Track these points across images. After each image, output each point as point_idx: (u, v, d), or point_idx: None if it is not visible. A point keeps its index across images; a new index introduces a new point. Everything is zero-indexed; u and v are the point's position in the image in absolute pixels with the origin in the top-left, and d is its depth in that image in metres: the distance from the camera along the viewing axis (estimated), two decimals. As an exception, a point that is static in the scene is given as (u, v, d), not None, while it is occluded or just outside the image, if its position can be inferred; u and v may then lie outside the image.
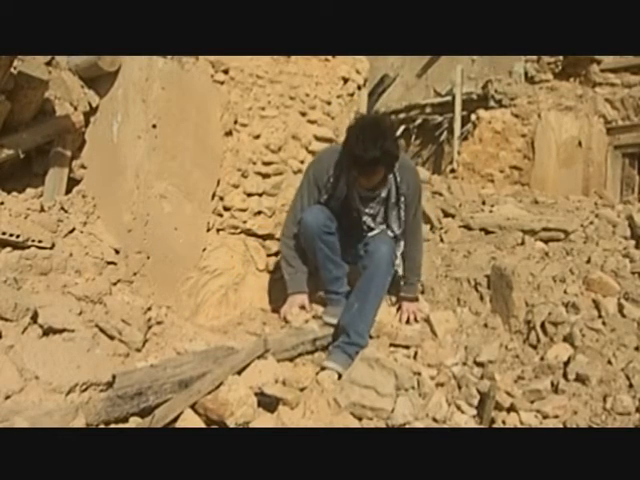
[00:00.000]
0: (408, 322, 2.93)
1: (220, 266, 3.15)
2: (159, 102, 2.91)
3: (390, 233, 2.88)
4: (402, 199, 2.81)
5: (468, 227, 3.88)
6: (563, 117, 6.37)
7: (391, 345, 2.83)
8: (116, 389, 1.83)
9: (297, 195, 2.98)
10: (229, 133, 3.20)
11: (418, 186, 2.92)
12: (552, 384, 2.53)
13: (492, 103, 6.89)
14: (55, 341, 2.02)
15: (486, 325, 2.97)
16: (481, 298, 3.12)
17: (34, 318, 2.03)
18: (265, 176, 3.33)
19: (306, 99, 3.48)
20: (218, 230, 3.20)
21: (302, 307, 2.88)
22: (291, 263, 2.95)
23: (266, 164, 3.33)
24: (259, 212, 3.30)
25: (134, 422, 1.90)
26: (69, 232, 2.77)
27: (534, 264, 3.28)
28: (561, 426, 2.30)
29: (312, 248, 2.86)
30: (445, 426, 2.32)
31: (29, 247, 2.51)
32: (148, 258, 2.88)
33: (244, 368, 2.29)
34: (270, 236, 3.36)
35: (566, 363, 2.60)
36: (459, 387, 2.60)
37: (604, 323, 2.77)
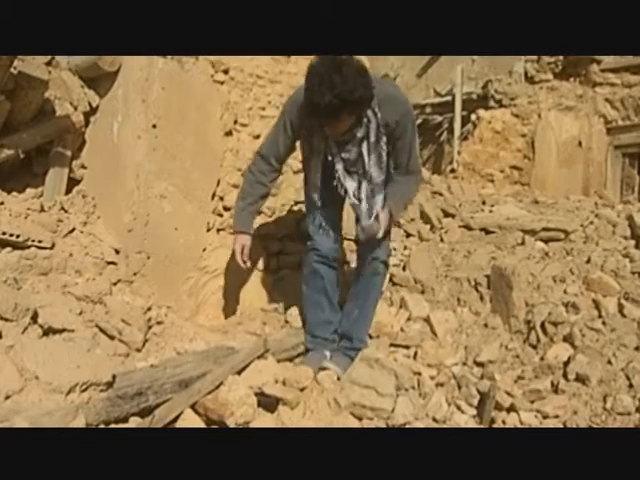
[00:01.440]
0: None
1: (220, 266, 3.15)
2: (159, 102, 2.91)
3: (367, 187, 2.53)
4: (384, 139, 2.44)
5: (468, 227, 3.88)
6: (563, 117, 6.37)
7: (391, 345, 2.83)
8: (116, 389, 1.83)
9: (271, 132, 2.65)
10: (229, 133, 3.20)
11: (406, 114, 2.44)
12: (552, 384, 2.53)
13: (492, 103, 6.89)
14: (55, 341, 2.02)
15: (486, 325, 2.97)
16: (481, 298, 3.12)
17: (34, 318, 2.03)
18: (265, 176, 3.32)
19: (306, 99, 3.48)
20: (218, 230, 3.20)
21: (242, 250, 2.69)
22: (245, 198, 2.71)
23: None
24: (259, 212, 3.30)
25: (134, 422, 1.90)
26: (69, 232, 2.77)
27: (534, 264, 3.28)
28: (561, 426, 2.30)
29: (313, 275, 2.73)
30: (445, 426, 2.32)
31: (29, 247, 2.51)
32: (148, 258, 2.88)
33: (244, 368, 2.29)
34: (270, 236, 3.36)
35: (566, 363, 2.60)
36: (459, 387, 2.60)
37: (604, 323, 2.77)
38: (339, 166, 2.51)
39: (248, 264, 2.73)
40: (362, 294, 2.70)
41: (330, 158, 2.52)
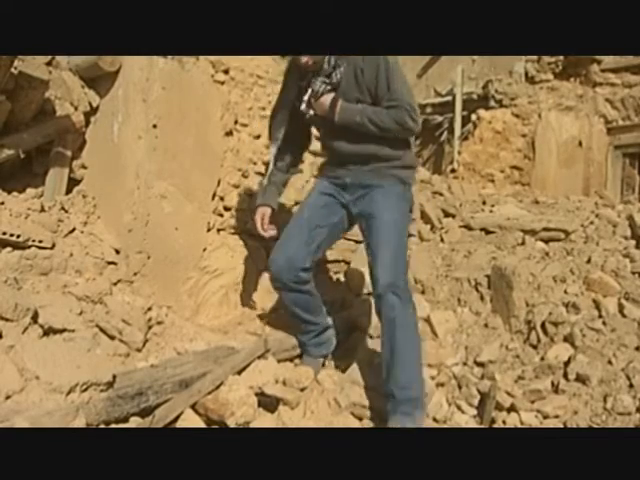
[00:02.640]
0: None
1: (220, 266, 3.15)
2: (159, 102, 2.91)
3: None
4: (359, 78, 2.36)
5: (468, 227, 3.88)
6: (563, 117, 6.37)
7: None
8: (116, 389, 1.83)
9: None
10: (229, 133, 3.20)
11: (383, 58, 2.34)
12: (552, 384, 2.53)
13: (492, 103, 6.89)
14: (55, 341, 2.02)
15: (486, 325, 2.97)
16: (481, 298, 3.12)
17: (34, 318, 2.03)
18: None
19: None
20: (218, 230, 3.20)
21: (262, 219, 2.63)
22: (273, 174, 2.65)
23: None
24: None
25: (134, 422, 1.90)
26: (69, 232, 2.77)
27: (534, 264, 3.28)
28: (561, 426, 2.30)
29: (281, 297, 2.62)
30: (445, 426, 2.32)
31: (29, 247, 2.51)
32: (148, 258, 2.88)
33: (244, 368, 2.29)
34: (270, 236, 3.35)
35: (566, 363, 2.59)
36: (459, 387, 2.60)
37: (604, 323, 2.77)
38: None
39: (271, 232, 2.64)
40: (387, 340, 2.26)
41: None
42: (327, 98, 2.39)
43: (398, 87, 2.33)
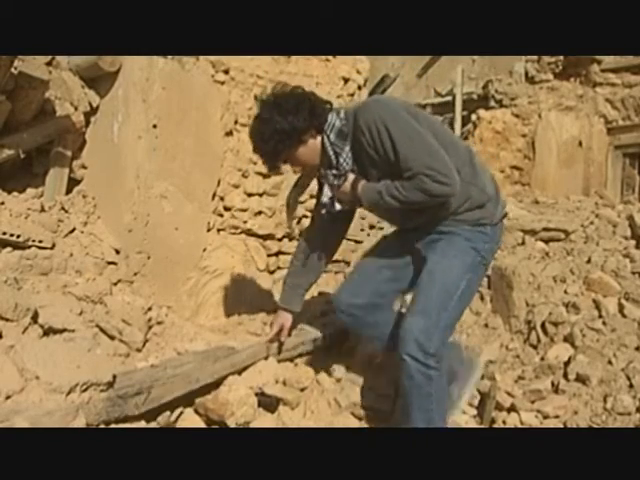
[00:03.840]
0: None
1: (221, 266, 3.15)
2: (159, 102, 2.91)
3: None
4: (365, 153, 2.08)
5: (468, 227, 3.87)
6: (564, 117, 6.37)
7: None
8: (116, 389, 1.83)
9: None
10: (229, 133, 3.20)
11: (377, 120, 2.00)
12: (552, 384, 2.53)
13: (492, 103, 6.89)
14: (55, 341, 2.02)
15: (486, 325, 2.97)
16: (481, 298, 3.12)
17: (34, 318, 2.03)
18: (265, 176, 3.33)
19: (306, 99, 3.48)
20: (218, 230, 3.20)
21: (280, 330, 2.44)
22: (294, 272, 2.46)
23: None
24: (259, 212, 3.31)
25: (136, 423, 1.90)
26: (69, 232, 2.77)
27: (534, 264, 3.28)
28: (561, 426, 2.30)
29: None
30: (445, 426, 2.32)
31: (29, 247, 2.51)
32: (148, 258, 2.88)
33: (245, 368, 2.29)
34: (270, 236, 3.36)
35: (566, 363, 2.60)
36: (459, 387, 2.60)
37: (604, 323, 2.77)
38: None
39: (282, 340, 2.45)
40: (402, 409, 2.08)
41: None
42: (347, 185, 2.13)
43: (407, 151, 1.96)
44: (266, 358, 2.39)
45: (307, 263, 2.41)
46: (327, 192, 2.19)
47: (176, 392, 2.00)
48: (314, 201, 3.50)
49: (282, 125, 2.05)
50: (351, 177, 2.12)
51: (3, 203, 2.64)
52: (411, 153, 1.95)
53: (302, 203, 3.49)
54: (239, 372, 2.27)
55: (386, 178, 2.03)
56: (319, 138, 2.12)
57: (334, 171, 2.12)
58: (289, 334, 2.45)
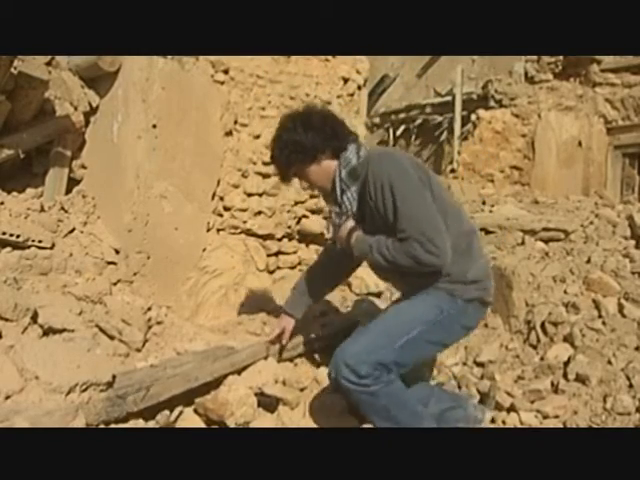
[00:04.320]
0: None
1: (220, 266, 3.15)
2: (159, 102, 2.91)
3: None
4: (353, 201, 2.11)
5: (468, 227, 3.88)
6: (563, 117, 6.38)
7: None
8: (116, 389, 1.83)
9: None
10: (229, 133, 3.20)
11: (387, 175, 1.99)
12: (552, 384, 2.53)
13: (492, 103, 6.90)
14: (55, 341, 2.02)
15: (486, 325, 2.97)
16: (481, 298, 3.11)
17: (34, 318, 2.03)
18: (265, 176, 3.33)
19: (306, 99, 3.48)
20: (218, 230, 3.20)
21: (282, 332, 2.45)
22: (306, 280, 2.45)
23: (266, 164, 3.33)
24: (259, 212, 3.31)
25: (134, 422, 1.90)
26: (69, 232, 2.77)
27: (534, 264, 3.28)
28: (561, 426, 2.30)
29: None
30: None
31: (29, 247, 2.51)
32: (148, 258, 2.88)
33: (244, 368, 2.29)
34: (270, 236, 3.36)
35: (566, 363, 2.60)
36: (459, 387, 2.60)
37: (604, 323, 2.77)
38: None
39: (283, 342, 2.45)
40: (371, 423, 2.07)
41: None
42: (344, 229, 2.13)
43: (405, 213, 1.94)
44: (266, 358, 2.40)
45: (320, 276, 2.42)
46: (330, 227, 2.20)
47: (175, 390, 2.00)
48: (314, 201, 3.50)
49: (300, 137, 2.07)
50: (349, 224, 2.12)
51: (3, 203, 2.64)
52: (409, 216, 1.94)
53: (302, 203, 3.49)
54: (239, 372, 2.27)
55: (381, 233, 2.03)
56: (334, 163, 2.11)
57: (337, 208, 2.13)
58: (290, 338, 2.46)
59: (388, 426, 1.97)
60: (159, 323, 2.51)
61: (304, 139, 2.07)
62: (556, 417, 2.34)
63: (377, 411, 1.96)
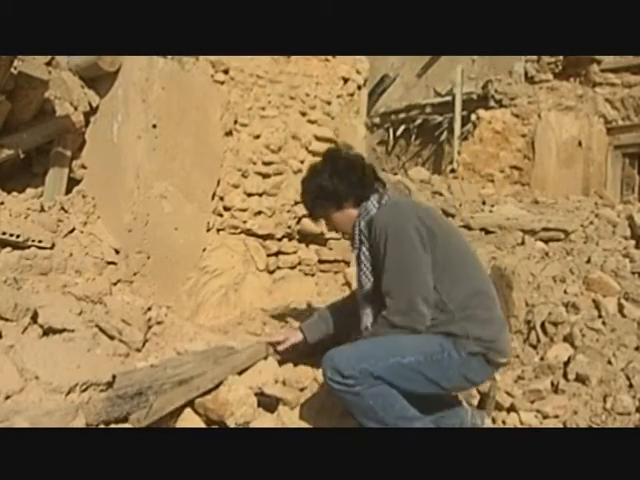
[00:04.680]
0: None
1: (220, 266, 3.15)
2: (159, 102, 2.91)
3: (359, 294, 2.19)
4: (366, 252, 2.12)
5: (468, 227, 3.88)
6: (563, 117, 6.38)
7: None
8: (116, 389, 1.83)
9: None
10: (229, 133, 3.20)
11: (381, 227, 2.02)
12: (552, 384, 2.53)
13: (492, 103, 6.90)
14: (55, 341, 2.02)
15: (486, 325, 2.96)
16: (481, 298, 3.11)
17: (34, 318, 2.03)
18: (265, 176, 3.33)
19: (306, 99, 3.48)
20: (218, 230, 3.20)
21: (285, 340, 2.38)
22: (331, 309, 2.41)
23: (266, 164, 3.33)
24: (259, 212, 3.31)
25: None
26: (69, 232, 2.77)
27: (534, 264, 3.28)
28: (561, 426, 2.30)
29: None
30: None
31: (29, 247, 2.51)
32: (148, 258, 2.88)
33: (245, 370, 2.29)
34: (270, 236, 3.36)
35: (566, 363, 2.60)
36: (459, 387, 2.60)
37: (604, 323, 2.77)
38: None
39: (280, 349, 2.39)
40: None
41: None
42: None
43: (391, 268, 1.97)
44: (266, 358, 2.39)
45: (345, 313, 2.36)
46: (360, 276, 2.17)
47: (177, 402, 2.00)
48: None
49: (325, 183, 2.11)
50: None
51: (3, 203, 2.64)
52: (391, 272, 1.97)
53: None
54: (239, 372, 2.27)
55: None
56: (356, 212, 2.13)
57: (354, 253, 2.17)
58: (290, 349, 2.39)
59: (375, 427, 1.95)
60: (159, 323, 2.51)
61: (329, 185, 2.11)
62: (556, 417, 2.34)
63: (364, 412, 1.95)
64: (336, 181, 2.10)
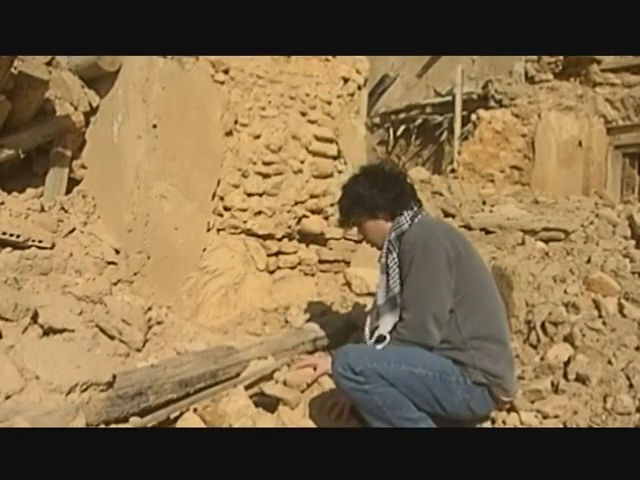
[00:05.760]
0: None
1: (220, 266, 3.15)
2: (159, 102, 2.91)
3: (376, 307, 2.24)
4: (394, 264, 2.17)
5: (468, 227, 3.88)
6: (563, 117, 6.38)
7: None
8: (116, 389, 1.83)
9: None
10: (229, 133, 3.20)
11: (410, 244, 2.10)
12: (552, 384, 2.53)
13: (492, 103, 6.90)
14: (55, 341, 2.02)
15: (486, 325, 2.96)
16: (481, 298, 3.11)
17: (34, 318, 2.03)
18: (265, 176, 3.33)
19: (306, 99, 3.49)
20: (218, 230, 3.20)
21: (308, 366, 2.37)
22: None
23: (266, 164, 3.33)
24: (259, 212, 3.31)
25: (134, 422, 1.90)
26: (69, 232, 2.77)
27: (534, 264, 3.28)
28: (561, 426, 2.30)
29: None
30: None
31: (29, 247, 2.51)
32: (148, 258, 2.89)
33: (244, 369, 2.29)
34: (270, 236, 3.36)
35: (566, 363, 2.59)
36: (459, 387, 2.60)
37: (604, 323, 2.77)
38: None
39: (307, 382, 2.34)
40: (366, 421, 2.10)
41: None
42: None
43: (413, 283, 2.05)
44: (266, 358, 2.40)
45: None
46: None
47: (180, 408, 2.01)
48: (314, 201, 3.50)
49: (364, 192, 2.20)
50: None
51: (3, 203, 2.64)
52: (413, 287, 2.06)
53: (302, 203, 3.49)
54: (239, 373, 2.27)
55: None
56: (389, 225, 2.21)
57: (381, 263, 2.22)
58: (314, 381, 2.35)
59: (382, 426, 1.98)
60: (159, 323, 2.51)
61: (367, 194, 2.20)
62: (556, 417, 2.34)
63: (371, 410, 1.99)
64: (375, 192, 2.19)
